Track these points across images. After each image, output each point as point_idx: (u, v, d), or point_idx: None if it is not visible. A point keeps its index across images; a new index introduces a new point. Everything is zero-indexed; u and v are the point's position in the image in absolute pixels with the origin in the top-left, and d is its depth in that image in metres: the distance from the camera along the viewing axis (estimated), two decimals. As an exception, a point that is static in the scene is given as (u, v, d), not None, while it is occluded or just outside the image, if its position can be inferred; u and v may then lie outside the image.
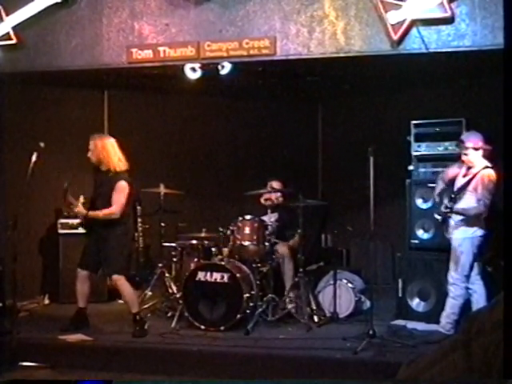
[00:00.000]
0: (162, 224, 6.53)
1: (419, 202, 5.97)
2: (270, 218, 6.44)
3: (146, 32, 5.68)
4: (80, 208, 5.36)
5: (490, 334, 1.05)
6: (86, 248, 5.60)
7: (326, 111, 8.53)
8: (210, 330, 5.45)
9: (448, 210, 5.07)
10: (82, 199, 5.43)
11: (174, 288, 6.16)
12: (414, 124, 6.26)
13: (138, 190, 6.91)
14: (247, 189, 6.33)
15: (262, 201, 6.74)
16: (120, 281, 5.43)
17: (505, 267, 1.24)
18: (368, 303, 5.89)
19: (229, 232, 5.92)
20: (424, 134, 6.22)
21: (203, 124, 7.92)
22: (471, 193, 5.07)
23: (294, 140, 8.18)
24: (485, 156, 5.13)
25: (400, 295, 5.89)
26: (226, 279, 5.56)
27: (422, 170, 6.22)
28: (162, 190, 6.47)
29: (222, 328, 5.45)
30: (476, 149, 5.11)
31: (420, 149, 6.21)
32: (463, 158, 5.19)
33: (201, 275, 5.62)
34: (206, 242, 6.15)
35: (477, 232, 5.09)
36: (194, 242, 6.19)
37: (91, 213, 5.35)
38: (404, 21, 5.06)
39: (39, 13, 5.73)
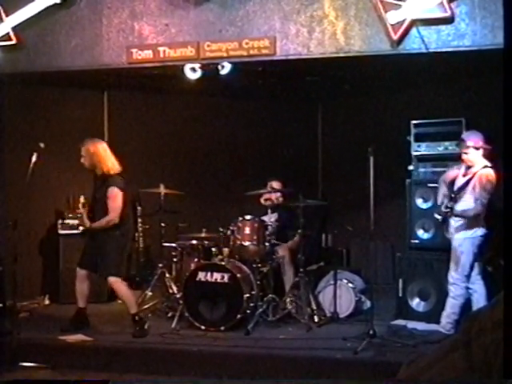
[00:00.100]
0: (162, 224, 6.53)
1: (419, 202, 5.97)
2: (270, 218, 6.44)
3: (146, 32, 5.68)
4: (85, 220, 5.43)
5: (490, 333, 1.05)
6: (86, 247, 5.63)
7: (326, 111, 8.53)
8: (211, 330, 5.45)
9: (448, 210, 5.07)
10: (82, 199, 5.44)
11: (175, 288, 6.16)
12: (414, 124, 6.26)
13: (138, 191, 6.94)
14: (247, 189, 6.33)
15: (262, 201, 6.74)
16: (116, 283, 5.45)
17: (505, 267, 1.24)
18: (368, 303, 5.89)
19: (229, 232, 5.92)
20: (424, 133, 6.22)
21: (203, 124, 7.91)
22: (471, 192, 5.07)
23: (294, 140, 8.18)
24: (485, 156, 5.13)
25: (400, 295, 5.89)
26: (226, 279, 5.56)
27: (422, 169, 6.22)
28: (162, 190, 6.47)
29: (222, 328, 5.45)
30: (477, 148, 5.11)
31: (420, 149, 6.20)
32: (463, 156, 5.18)
33: (201, 275, 5.62)
34: (206, 242, 6.15)
35: (477, 232, 5.09)
36: (195, 242, 6.18)
37: (94, 225, 5.42)
38: (404, 21, 5.06)
39: (39, 13, 5.73)
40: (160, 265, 6.35)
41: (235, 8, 5.48)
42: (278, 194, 6.73)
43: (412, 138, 6.23)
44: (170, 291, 6.21)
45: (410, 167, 6.22)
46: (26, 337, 5.12)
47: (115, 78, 6.82)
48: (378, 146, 5.10)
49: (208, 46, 5.52)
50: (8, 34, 5.77)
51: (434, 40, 5.09)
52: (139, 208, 7.32)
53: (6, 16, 5.76)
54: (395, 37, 5.08)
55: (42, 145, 5.12)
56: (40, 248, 7.03)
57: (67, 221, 6.65)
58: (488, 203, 5.01)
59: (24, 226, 5.50)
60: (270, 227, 5.97)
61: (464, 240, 5.09)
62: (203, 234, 6.20)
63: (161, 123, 7.75)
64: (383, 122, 7.48)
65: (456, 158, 5.45)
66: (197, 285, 5.60)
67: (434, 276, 5.71)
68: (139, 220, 7.30)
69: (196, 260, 6.06)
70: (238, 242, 5.86)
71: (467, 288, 5.15)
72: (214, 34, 5.53)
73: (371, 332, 4.96)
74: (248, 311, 5.58)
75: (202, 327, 5.49)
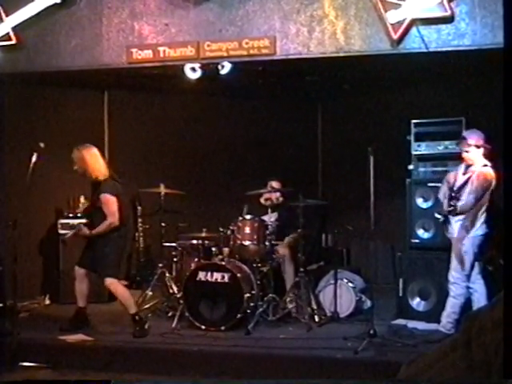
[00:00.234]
0: (163, 224, 6.52)
1: (419, 202, 5.97)
2: (270, 218, 6.43)
3: (146, 32, 5.68)
4: (83, 229, 5.47)
5: (490, 333, 1.05)
6: (86, 247, 5.63)
7: (325, 111, 8.53)
8: (211, 330, 5.45)
9: (452, 209, 5.04)
10: (82, 199, 5.45)
11: (175, 288, 6.16)
12: (414, 123, 6.25)
13: (138, 190, 6.94)
14: (247, 189, 6.33)
15: (262, 201, 6.73)
16: (113, 284, 5.45)
17: (505, 266, 1.24)
18: (368, 303, 5.89)
19: (229, 232, 5.92)
20: (424, 133, 6.21)
21: (203, 124, 7.91)
22: (469, 190, 5.06)
23: (293, 140, 8.18)
24: (484, 155, 5.12)
25: (400, 295, 5.89)
26: (226, 279, 5.56)
27: (422, 169, 6.21)
28: (163, 189, 6.47)
29: (222, 328, 5.45)
30: (478, 146, 5.09)
31: (420, 148, 6.20)
32: (464, 155, 5.17)
33: (201, 275, 5.62)
34: (206, 242, 6.15)
35: (477, 231, 5.09)
36: (195, 241, 6.18)
37: (94, 231, 5.43)
38: (404, 20, 5.06)
39: (39, 13, 5.74)
40: (160, 265, 6.34)
41: (235, 8, 5.48)
42: (278, 194, 6.73)
43: (412, 138, 6.22)
44: (171, 291, 6.20)
45: (410, 167, 6.21)
46: (26, 337, 5.11)
47: (115, 78, 6.82)
48: (378, 146, 5.10)
49: (208, 45, 5.53)
50: (8, 33, 5.78)
51: (434, 39, 5.09)
52: (139, 208, 7.33)
53: (6, 16, 5.76)
54: (395, 36, 5.08)
55: (42, 145, 5.12)
56: (40, 248, 7.03)
57: (67, 221, 6.65)
58: (488, 203, 5.01)
59: (24, 225, 5.49)
60: (270, 227, 5.97)
61: (464, 239, 5.09)
62: (203, 234, 6.20)
63: (161, 123, 7.75)
64: (383, 122, 7.48)
65: (456, 158, 5.44)
66: (197, 284, 5.60)
67: (435, 275, 5.71)
68: (139, 220, 7.30)
69: (196, 260, 6.06)
70: (238, 242, 5.86)
71: (467, 287, 5.15)
72: (214, 34, 5.53)
73: (371, 332, 4.96)
74: (248, 311, 5.58)
75: (203, 327, 5.49)
